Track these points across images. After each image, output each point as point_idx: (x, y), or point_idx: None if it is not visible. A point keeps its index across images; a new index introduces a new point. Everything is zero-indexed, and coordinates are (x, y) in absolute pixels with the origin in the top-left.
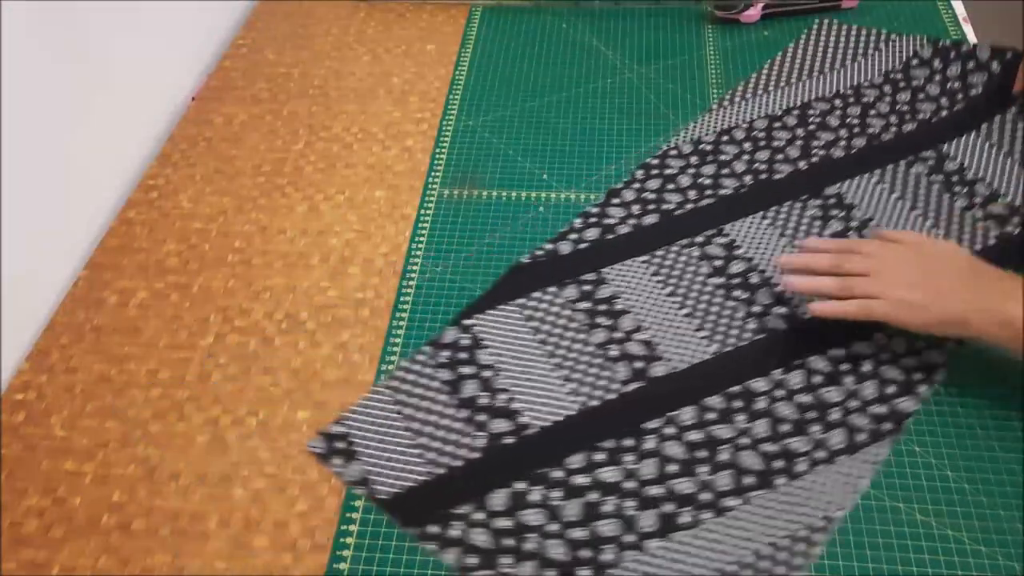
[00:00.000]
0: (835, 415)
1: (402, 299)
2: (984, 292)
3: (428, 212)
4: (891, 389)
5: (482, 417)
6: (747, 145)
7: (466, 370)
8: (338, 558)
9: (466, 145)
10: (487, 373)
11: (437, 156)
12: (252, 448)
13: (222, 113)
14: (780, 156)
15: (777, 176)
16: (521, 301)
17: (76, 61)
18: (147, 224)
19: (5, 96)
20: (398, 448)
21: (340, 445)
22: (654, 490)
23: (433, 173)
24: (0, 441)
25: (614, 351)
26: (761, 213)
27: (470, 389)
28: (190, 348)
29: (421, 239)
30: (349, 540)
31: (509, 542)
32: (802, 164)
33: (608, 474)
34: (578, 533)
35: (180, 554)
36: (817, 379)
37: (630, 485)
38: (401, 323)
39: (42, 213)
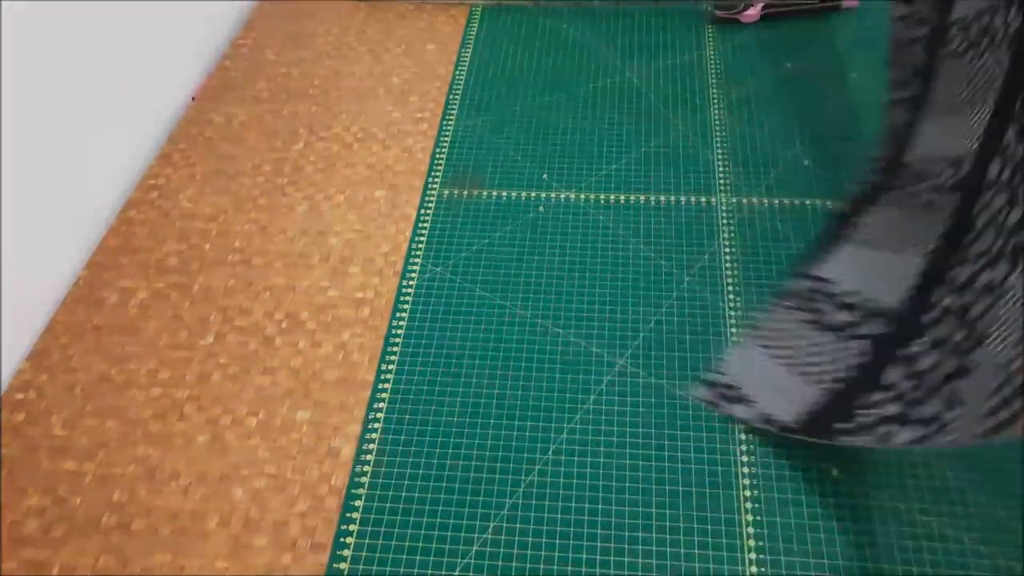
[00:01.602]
0: None
1: (402, 299)
2: None
3: (428, 212)
4: None
5: (847, 332)
6: None
7: (824, 306)
8: (338, 558)
9: (466, 145)
10: (850, 300)
11: (437, 156)
12: (252, 448)
13: (222, 113)
14: None
15: None
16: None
17: (76, 61)
18: (147, 224)
19: (5, 96)
20: (782, 382)
21: (727, 392)
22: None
23: (433, 173)
24: (0, 441)
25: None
26: None
27: (834, 319)
28: (190, 348)
29: (421, 239)
30: (349, 540)
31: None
32: None
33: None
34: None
35: (180, 554)
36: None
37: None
38: (401, 323)
39: (42, 213)
